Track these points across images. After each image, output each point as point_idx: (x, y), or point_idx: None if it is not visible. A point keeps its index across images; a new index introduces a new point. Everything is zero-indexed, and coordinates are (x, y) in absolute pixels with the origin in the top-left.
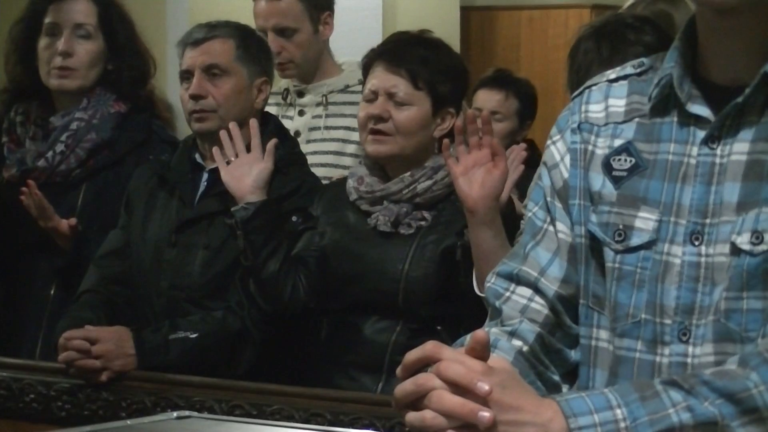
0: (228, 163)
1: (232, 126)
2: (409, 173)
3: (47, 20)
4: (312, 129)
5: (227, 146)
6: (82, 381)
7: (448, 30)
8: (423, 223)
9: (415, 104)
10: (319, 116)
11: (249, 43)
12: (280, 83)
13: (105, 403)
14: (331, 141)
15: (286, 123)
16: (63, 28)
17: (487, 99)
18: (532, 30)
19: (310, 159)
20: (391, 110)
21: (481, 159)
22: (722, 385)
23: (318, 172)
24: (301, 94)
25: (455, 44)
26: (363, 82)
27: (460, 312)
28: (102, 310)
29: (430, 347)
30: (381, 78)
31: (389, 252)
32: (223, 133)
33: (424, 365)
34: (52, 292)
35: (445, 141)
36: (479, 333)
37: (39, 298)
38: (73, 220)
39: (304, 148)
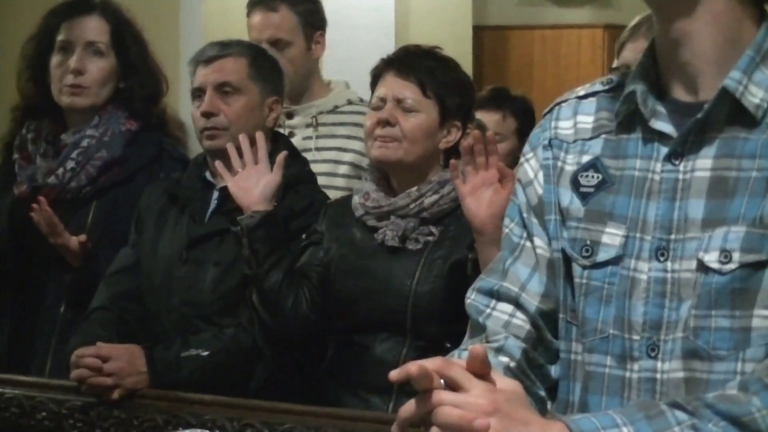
0: (234, 174)
1: (242, 138)
2: (415, 188)
3: (60, 38)
4: (303, 150)
5: (235, 159)
6: (94, 399)
7: (460, 49)
8: (430, 238)
9: (422, 111)
10: (310, 137)
11: (261, 61)
12: None
13: (117, 420)
14: (322, 162)
15: None
16: (75, 45)
17: (484, 120)
18: (545, 49)
19: None
20: (399, 116)
21: (489, 179)
22: (726, 409)
23: None
24: (290, 115)
25: (468, 63)
26: (371, 92)
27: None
28: (113, 328)
29: (420, 384)
30: (390, 85)
31: (397, 268)
32: (230, 146)
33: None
34: (62, 309)
35: (453, 161)
36: (477, 347)
37: (49, 315)
38: (82, 237)
39: None
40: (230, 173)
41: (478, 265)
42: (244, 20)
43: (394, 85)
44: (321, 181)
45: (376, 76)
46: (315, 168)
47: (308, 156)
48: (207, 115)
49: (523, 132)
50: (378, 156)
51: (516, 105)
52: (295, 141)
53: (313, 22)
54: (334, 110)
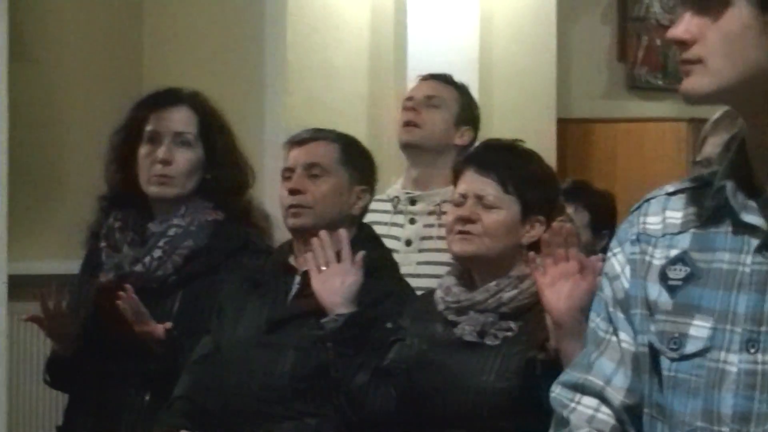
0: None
1: (323, 234)
2: (494, 282)
3: (148, 128)
4: (424, 238)
5: (318, 254)
6: None
7: (544, 141)
8: (509, 333)
9: (503, 208)
10: (431, 225)
11: (352, 150)
12: (389, 190)
13: None
14: (444, 251)
15: (396, 231)
16: (163, 136)
17: None
18: (628, 142)
19: (422, 269)
20: (480, 213)
21: (568, 271)
22: None
23: (430, 282)
24: (413, 201)
25: (552, 155)
26: (453, 186)
27: (540, 425)
28: (194, 417)
29: None
30: (470, 182)
31: (474, 363)
32: (315, 241)
33: None
34: (147, 398)
35: (531, 253)
36: None
37: (133, 404)
38: (168, 324)
39: (416, 257)
40: (315, 263)
41: (547, 364)
42: (327, 111)
43: (474, 182)
44: (441, 270)
45: (457, 171)
46: (436, 257)
47: (430, 244)
48: (293, 192)
49: (596, 226)
50: (458, 251)
51: (592, 198)
52: (416, 228)
53: (466, 117)
54: None
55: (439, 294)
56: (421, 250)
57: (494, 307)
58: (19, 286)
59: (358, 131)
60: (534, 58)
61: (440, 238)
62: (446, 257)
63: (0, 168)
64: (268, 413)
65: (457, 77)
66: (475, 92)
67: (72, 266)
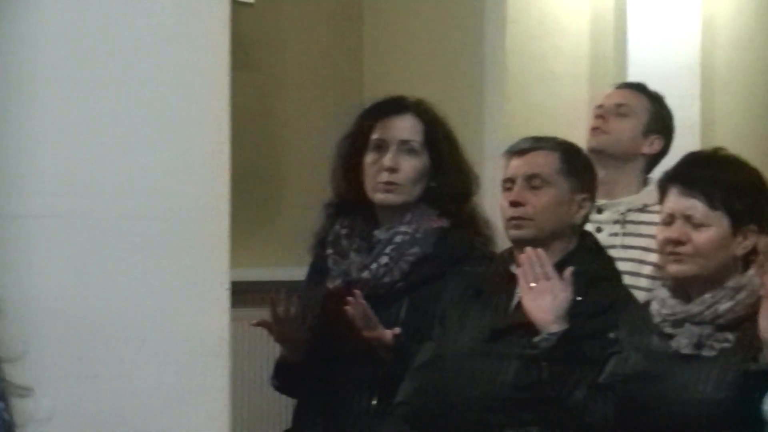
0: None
1: (530, 251)
2: (710, 294)
3: (374, 136)
4: (609, 247)
5: (527, 271)
6: None
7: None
8: (726, 344)
9: (713, 225)
10: (616, 234)
11: (573, 158)
12: None
13: None
14: (627, 261)
15: None
16: (389, 144)
17: None
18: None
19: None
20: (690, 233)
21: None
22: None
23: None
24: (599, 210)
25: None
26: (660, 201)
27: None
28: (417, 423)
29: None
30: (676, 202)
31: (690, 375)
32: (523, 258)
33: None
34: (373, 403)
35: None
36: None
37: (360, 409)
38: (397, 330)
39: None
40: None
41: (762, 375)
42: (546, 119)
43: (681, 202)
44: (625, 280)
45: (662, 188)
46: (620, 266)
47: (613, 253)
48: (515, 204)
49: None
50: (673, 273)
51: None
52: (602, 237)
53: (656, 126)
54: (643, 209)
55: (654, 306)
56: None
57: (710, 319)
58: (241, 292)
59: (579, 138)
60: (758, 62)
61: (624, 247)
62: (630, 266)
63: (222, 176)
64: (490, 421)
65: (678, 83)
66: (696, 98)
67: (293, 273)
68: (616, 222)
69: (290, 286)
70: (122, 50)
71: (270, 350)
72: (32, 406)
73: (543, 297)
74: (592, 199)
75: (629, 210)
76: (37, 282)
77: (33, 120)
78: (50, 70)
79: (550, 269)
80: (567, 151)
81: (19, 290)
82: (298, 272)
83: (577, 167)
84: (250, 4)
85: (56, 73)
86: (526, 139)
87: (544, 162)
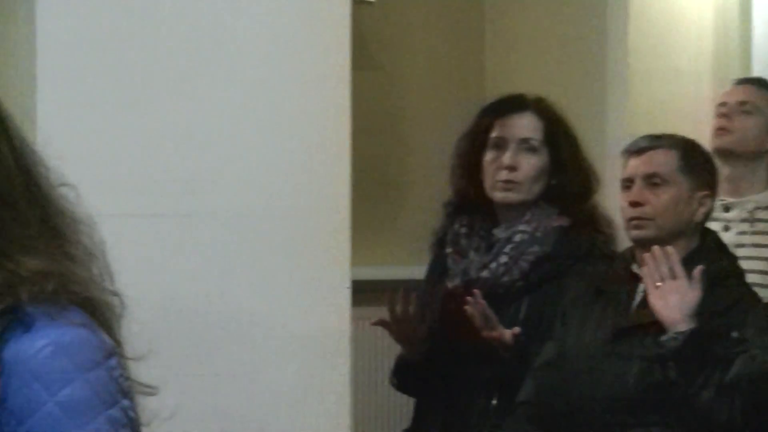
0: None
1: (656, 250)
2: None
3: (493, 134)
4: (737, 246)
5: (652, 270)
6: None
7: None
8: None
9: None
10: (744, 233)
11: (693, 155)
12: None
13: None
14: (757, 259)
15: None
16: (509, 142)
17: None
18: None
19: None
20: None
21: None
22: None
23: None
24: (726, 208)
25: None
26: None
27: None
28: (539, 423)
29: None
30: None
31: None
32: (648, 257)
33: None
34: (494, 402)
35: None
36: None
37: (480, 408)
38: (517, 329)
39: None
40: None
41: None
42: (670, 116)
43: None
44: (753, 278)
45: None
46: (748, 264)
47: (742, 252)
48: (634, 204)
49: None
50: None
51: None
52: (730, 235)
53: None
54: None
55: None
56: None
57: None
58: (362, 291)
59: (703, 136)
60: None
61: (754, 245)
62: (761, 265)
63: (343, 175)
64: (614, 422)
65: None
66: None
67: (414, 272)
68: (744, 220)
69: (411, 285)
70: (244, 50)
71: (391, 349)
72: (156, 405)
73: (670, 295)
74: (714, 196)
75: (757, 208)
76: (160, 281)
77: (158, 121)
78: (171, 69)
79: (678, 268)
80: (686, 148)
81: (142, 290)
82: (419, 271)
83: (697, 164)
84: (371, 3)
85: (178, 73)
86: (643, 138)
87: (663, 160)
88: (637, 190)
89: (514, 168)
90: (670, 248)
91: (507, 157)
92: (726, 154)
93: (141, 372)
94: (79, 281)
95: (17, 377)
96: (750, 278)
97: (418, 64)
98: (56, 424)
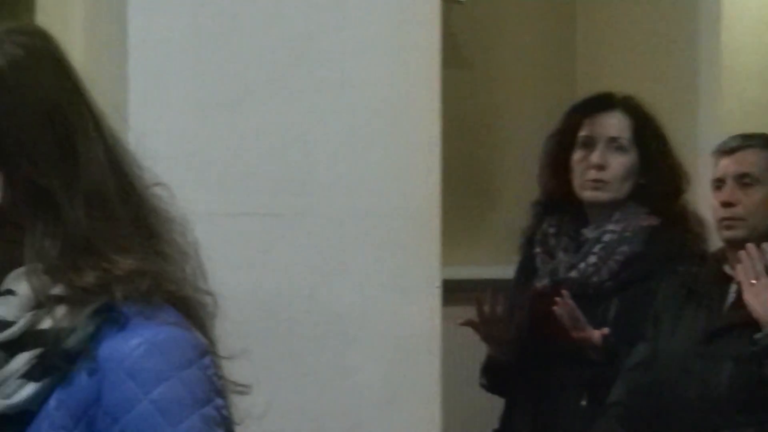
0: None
1: (750, 248)
2: None
3: (582, 133)
4: None
5: (747, 268)
6: None
7: None
8: None
9: None
10: None
11: None
12: None
13: None
14: None
15: None
16: (597, 141)
17: None
18: None
19: None
20: None
21: None
22: None
23: None
24: None
25: None
26: None
27: None
28: (630, 424)
29: None
30: None
31: None
32: (743, 254)
33: None
34: (583, 403)
35: None
36: None
37: (570, 409)
38: (605, 330)
39: None
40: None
41: None
42: (764, 116)
43: None
44: None
45: None
46: None
47: None
48: (726, 204)
49: None
50: None
51: None
52: None
53: None
54: None
55: None
56: None
57: None
58: (452, 291)
59: None
60: None
61: None
62: None
63: (434, 175)
64: (706, 423)
65: None
66: None
67: (504, 271)
68: None
69: (501, 285)
70: (335, 51)
71: (481, 349)
72: (249, 403)
73: (765, 293)
74: None
75: None
76: (253, 281)
77: (250, 121)
78: (263, 69)
79: None
80: None
81: (235, 289)
82: (510, 271)
83: None
84: (461, 2)
85: (270, 72)
86: (734, 138)
87: (754, 160)
88: (729, 191)
89: (603, 167)
90: (764, 245)
91: (596, 156)
92: None
93: (234, 371)
94: (173, 280)
95: (112, 376)
96: None
97: (509, 64)
98: (150, 422)
